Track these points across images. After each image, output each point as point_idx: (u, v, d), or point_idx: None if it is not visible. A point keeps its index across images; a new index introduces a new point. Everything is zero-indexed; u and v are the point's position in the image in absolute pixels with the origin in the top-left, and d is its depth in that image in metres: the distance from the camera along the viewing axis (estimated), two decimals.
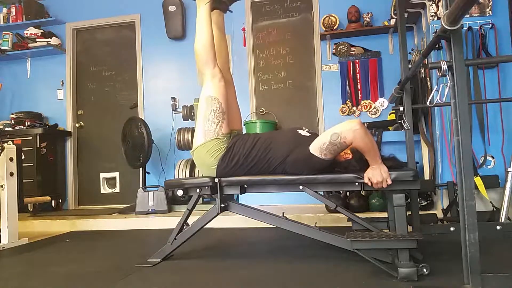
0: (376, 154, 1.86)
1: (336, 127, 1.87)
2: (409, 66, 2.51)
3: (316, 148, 1.91)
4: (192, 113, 4.28)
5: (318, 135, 2.10)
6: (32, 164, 4.38)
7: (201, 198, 2.28)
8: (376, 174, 1.85)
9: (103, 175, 4.95)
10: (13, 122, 4.77)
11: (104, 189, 4.95)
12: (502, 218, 2.61)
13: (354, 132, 1.80)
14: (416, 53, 3.65)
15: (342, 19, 4.22)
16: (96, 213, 4.10)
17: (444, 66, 1.48)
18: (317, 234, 2.02)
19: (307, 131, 2.14)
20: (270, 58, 4.48)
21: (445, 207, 2.88)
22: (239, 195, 2.45)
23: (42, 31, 4.99)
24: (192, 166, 4.14)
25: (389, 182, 1.85)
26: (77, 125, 5.08)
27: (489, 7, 3.11)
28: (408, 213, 2.12)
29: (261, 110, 4.42)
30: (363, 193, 3.35)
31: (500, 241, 2.39)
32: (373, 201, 3.36)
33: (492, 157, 3.04)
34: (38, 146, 4.50)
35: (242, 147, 2.07)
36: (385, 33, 4.14)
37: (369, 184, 1.89)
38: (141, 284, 1.86)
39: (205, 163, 2.11)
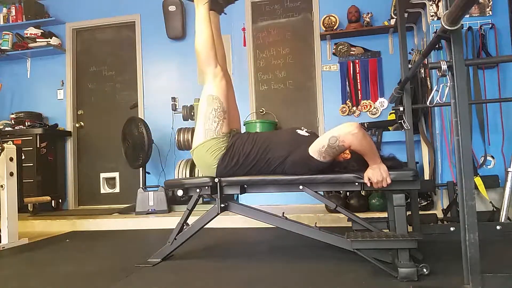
0: (375, 155, 1.86)
1: (334, 130, 1.87)
2: (409, 66, 2.51)
3: (315, 151, 1.91)
4: (192, 113, 4.28)
5: (317, 134, 2.10)
6: (32, 164, 4.38)
7: (201, 198, 2.28)
8: (376, 174, 1.85)
9: (103, 175, 4.95)
10: (13, 122, 4.77)
11: (104, 189, 4.94)
12: (502, 218, 2.61)
13: (353, 135, 1.81)
14: (416, 53, 3.65)
15: (342, 19, 4.22)
16: (96, 213, 4.10)
17: (444, 66, 1.48)
18: (317, 234, 2.02)
19: (306, 131, 2.14)
20: (270, 58, 4.48)
21: (445, 207, 2.88)
22: (239, 195, 2.44)
23: (42, 31, 4.99)
24: (192, 166, 4.14)
25: (389, 181, 1.85)
26: (77, 125, 5.08)
27: (489, 7, 3.11)
28: (408, 213, 2.12)
29: (261, 110, 4.42)
30: (363, 193, 3.35)
31: (500, 241, 2.39)
32: (373, 201, 3.36)
33: (492, 157, 3.04)
34: (38, 146, 4.50)
35: (241, 146, 2.08)
36: (385, 33, 4.14)
37: (369, 184, 1.89)
38: (141, 284, 1.86)
39: (205, 162, 2.11)
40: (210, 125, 2.07)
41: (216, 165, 2.07)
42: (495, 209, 2.71)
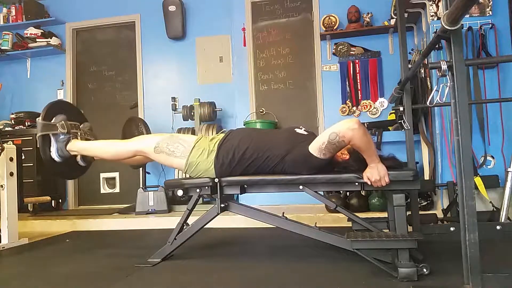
0: (374, 152, 1.86)
1: (334, 127, 1.87)
2: (409, 66, 2.51)
3: (316, 148, 1.91)
4: (192, 113, 4.28)
5: (315, 134, 2.10)
6: (32, 164, 4.37)
7: (201, 198, 2.28)
8: (374, 173, 1.85)
9: (103, 175, 4.95)
10: (13, 122, 4.77)
11: (104, 189, 4.94)
12: (502, 218, 2.61)
13: (353, 131, 1.80)
14: (416, 53, 3.65)
15: (342, 19, 4.22)
16: (96, 213, 4.10)
17: (444, 66, 1.48)
18: (317, 234, 2.02)
19: (304, 130, 2.15)
20: (270, 58, 4.48)
21: (445, 207, 2.88)
22: (239, 195, 2.45)
23: (42, 31, 4.99)
24: None
25: (387, 180, 1.85)
26: None
27: (489, 7, 3.11)
28: (408, 213, 2.12)
29: (261, 110, 4.42)
30: (363, 193, 3.35)
31: (500, 241, 2.39)
32: (373, 201, 3.36)
33: (492, 157, 3.04)
34: (38, 146, 4.49)
35: (236, 142, 2.07)
36: (385, 33, 4.14)
37: (368, 183, 1.89)
38: (141, 284, 1.86)
39: (202, 169, 2.11)
40: (179, 151, 2.12)
41: (213, 166, 2.08)
42: (495, 209, 2.71)
